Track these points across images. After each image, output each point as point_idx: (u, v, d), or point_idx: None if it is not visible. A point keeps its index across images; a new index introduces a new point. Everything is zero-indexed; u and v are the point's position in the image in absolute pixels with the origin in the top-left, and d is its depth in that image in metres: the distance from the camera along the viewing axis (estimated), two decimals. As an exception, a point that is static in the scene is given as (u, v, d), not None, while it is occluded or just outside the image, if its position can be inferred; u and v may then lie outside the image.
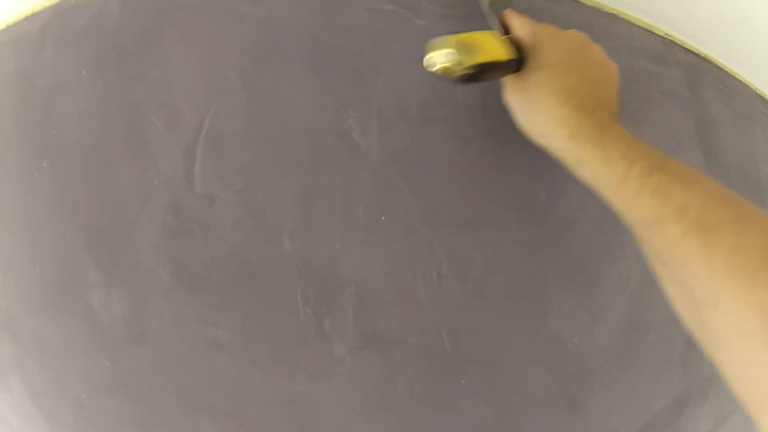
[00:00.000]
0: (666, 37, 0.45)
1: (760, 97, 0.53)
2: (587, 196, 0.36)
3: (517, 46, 0.29)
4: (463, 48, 0.26)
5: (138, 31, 0.35)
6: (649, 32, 0.44)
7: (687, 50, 0.46)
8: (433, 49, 0.26)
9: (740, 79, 0.51)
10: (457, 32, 0.27)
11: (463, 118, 0.33)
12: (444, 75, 0.27)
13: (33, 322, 0.38)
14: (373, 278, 0.32)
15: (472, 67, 0.26)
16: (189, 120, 0.32)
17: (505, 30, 0.31)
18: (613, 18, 0.42)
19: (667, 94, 0.42)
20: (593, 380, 0.40)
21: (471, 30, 0.28)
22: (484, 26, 0.32)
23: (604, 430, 0.43)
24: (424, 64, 0.27)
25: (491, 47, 0.27)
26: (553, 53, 0.27)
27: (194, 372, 0.34)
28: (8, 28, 0.48)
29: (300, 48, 0.32)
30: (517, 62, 0.28)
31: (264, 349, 0.33)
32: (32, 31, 0.45)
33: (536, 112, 0.27)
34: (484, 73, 0.27)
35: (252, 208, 0.31)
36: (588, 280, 0.37)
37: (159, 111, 0.33)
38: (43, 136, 0.38)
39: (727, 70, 0.49)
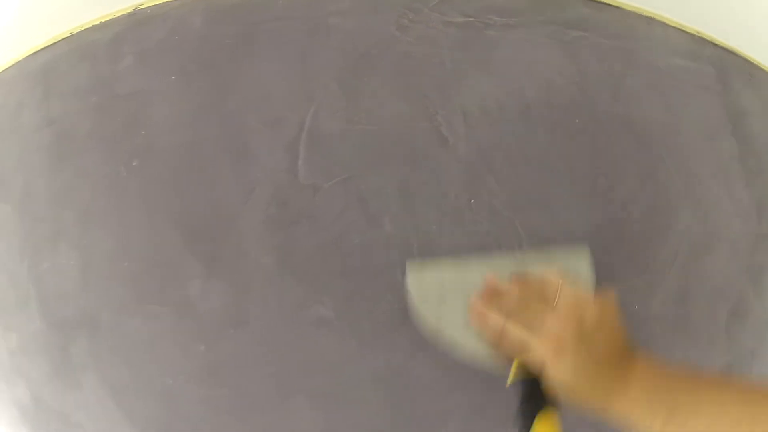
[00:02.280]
0: (697, 34, 0.55)
1: (783, 86, 0.64)
2: (641, 180, 0.46)
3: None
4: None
5: (224, 45, 0.42)
6: (682, 31, 0.54)
7: (716, 45, 0.56)
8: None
9: (765, 69, 0.61)
10: None
11: (534, 115, 0.42)
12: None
13: (117, 317, 0.43)
14: (464, 255, 0.40)
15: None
16: (290, 120, 0.39)
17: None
18: (650, 21, 0.52)
19: (700, 87, 0.52)
20: (651, 346, 0.49)
21: None
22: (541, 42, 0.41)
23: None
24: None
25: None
26: (557, 375, 0.32)
27: (294, 353, 0.40)
28: (74, 36, 0.55)
29: (389, 57, 0.41)
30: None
31: (366, 326, 0.40)
32: (104, 40, 0.52)
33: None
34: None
35: (355, 197, 0.39)
36: (644, 255, 0.46)
37: (257, 114, 0.40)
38: (129, 138, 0.45)
39: (754, 61, 0.59)
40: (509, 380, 0.34)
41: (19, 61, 0.51)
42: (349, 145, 0.40)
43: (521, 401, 0.33)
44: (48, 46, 0.55)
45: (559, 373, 0.32)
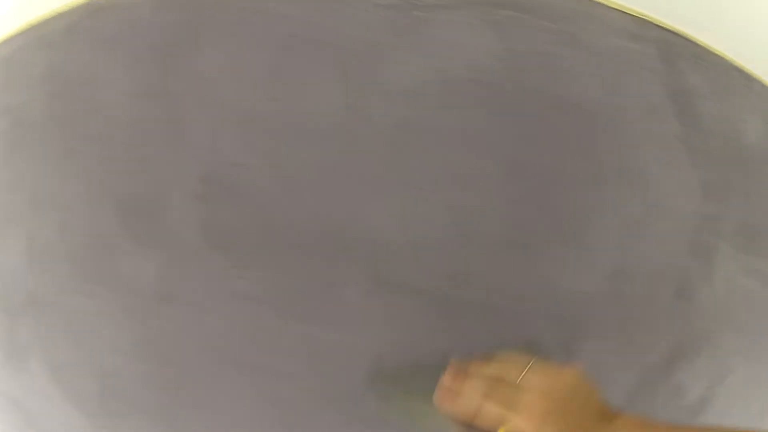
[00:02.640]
0: (641, 17, 0.55)
1: (737, 69, 0.64)
2: (571, 155, 0.46)
3: None
4: None
5: (172, 32, 0.45)
6: (625, 14, 0.55)
7: (661, 28, 0.56)
8: None
9: (716, 52, 0.61)
10: None
11: (458, 92, 0.43)
12: None
13: (60, 297, 0.45)
14: (383, 230, 0.41)
15: None
16: (223, 102, 0.41)
17: None
18: (591, 3, 0.53)
19: (642, 67, 0.52)
20: (586, 327, 0.49)
21: None
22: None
23: (599, 379, 0.52)
24: None
25: None
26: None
27: (220, 327, 0.42)
28: (32, 27, 0.57)
29: (320, 40, 0.42)
30: None
31: (287, 298, 0.41)
32: (59, 31, 0.54)
33: None
34: None
35: (278, 174, 0.41)
36: (575, 231, 0.46)
37: (194, 97, 0.42)
38: (77, 123, 0.47)
39: (702, 44, 0.59)
40: None
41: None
42: (275, 124, 0.41)
43: None
44: (8, 39, 0.57)
45: None
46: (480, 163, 0.43)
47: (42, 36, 0.55)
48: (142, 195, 0.42)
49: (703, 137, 0.56)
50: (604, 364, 0.51)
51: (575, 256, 0.47)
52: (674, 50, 0.56)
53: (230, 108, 0.41)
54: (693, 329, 0.59)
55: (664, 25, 0.57)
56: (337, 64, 0.42)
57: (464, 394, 0.36)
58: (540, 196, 0.44)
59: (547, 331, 0.47)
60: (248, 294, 0.41)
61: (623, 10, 0.55)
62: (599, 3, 0.54)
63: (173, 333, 0.42)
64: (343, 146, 0.41)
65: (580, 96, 0.47)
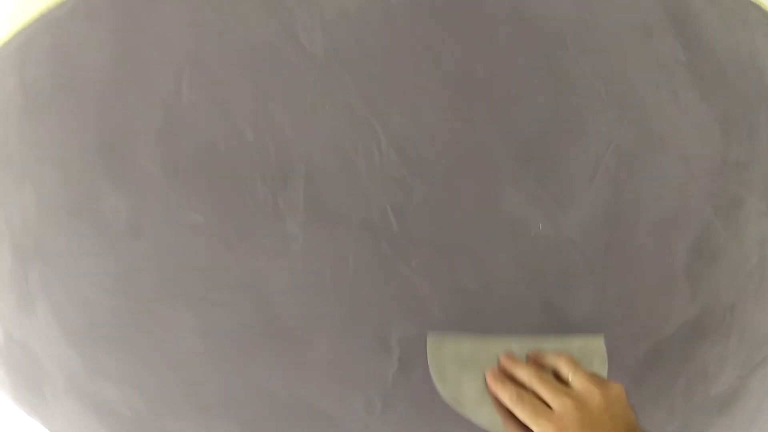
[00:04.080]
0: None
1: (756, 6, 0.55)
2: (539, 78, 0.40)
3: None
4: None
5: None
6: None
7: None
8: None
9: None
10: None
11: (398, 15, 0.39)
12: None
13: (60, 240, 0.48)
14: (319, 158, 0.39)
15: None
16: (179, 49, 0.43)
17: None
18: None
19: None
20: (571, 281, 0.41)
21: None
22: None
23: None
24: None
25: None
26: None
27: (178, 259, 0.42)
28: (42, 16, 0.61)
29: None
30: None
31: (231, 230, 0.40)
32: (62, 17, 0.57)
33: None
34: None
35: (222, 109, 0.40)
36: (545, 161, 0.39)
37: (156, 49, 0.44)
38: (72, 87, 0.49)
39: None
40: None
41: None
42: (223, 64, 0.41)
43: None
44: (23, 28, 0.62)
45: None
46: (424, 82, 0.38)
47: (50, 16, 0.60)
48: (117, 139, 0.45)
49: (714, 66, 0.47)
50: (598, 329, 0.42)
51: (549, 192, 0.39)
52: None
53: (185, 53, 0.42)
54: (719, 300, 0.48)
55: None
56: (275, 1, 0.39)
57: (503, 393, 0.38)
58: (498, 119, 0.38)
59: (519, 283, 0.40)
60: (198, 225, 0.41)
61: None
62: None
63: (138, 267, 0.44)
64: (277, 76, 0.40)
65: (549, 14, 0.41)
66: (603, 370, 0.42)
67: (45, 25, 0.58)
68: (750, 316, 0.52)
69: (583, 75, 0.41)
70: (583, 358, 0.40)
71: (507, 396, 0.38)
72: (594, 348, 0.43)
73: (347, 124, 0.38)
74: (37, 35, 0.58)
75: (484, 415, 0.40)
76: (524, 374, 0.38)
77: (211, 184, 0.41)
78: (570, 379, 0.38)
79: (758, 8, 0.55)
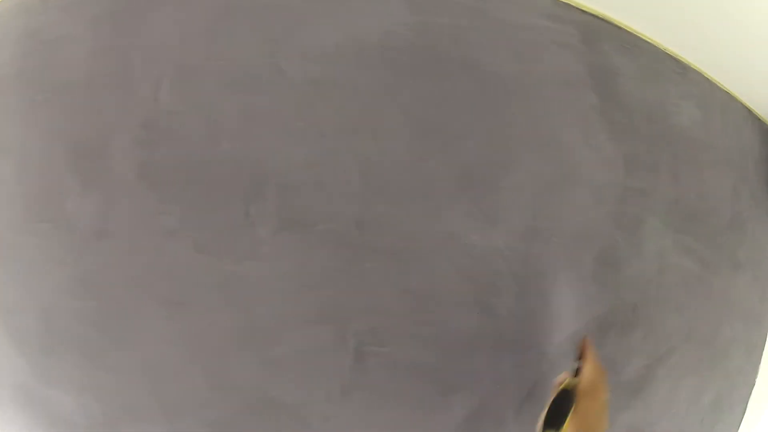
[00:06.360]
0: (564, 0, 0.59)
1: (671, 58, 0.66)
2: (479, 117, 0.49)
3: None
4: None
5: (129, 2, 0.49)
6: (548, -2, 0.58)
7: (583, 12, 0.59)
8: None
9: (648, 39, 0.64)
10: None
11: (369, 55, 0.47)
12: None
13: (14, 237, 0.48)
14: (291, 173, 0.45)
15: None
16: (162, 58, 0.46)
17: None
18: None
19: (559, 44, 0.55)
20: (499, 284, 0.51)
21: None
22: None
23: (520, 338, 0.52)
24: None
25: None
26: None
27: (147, 261, 0.44)
28: None
29: (249, 7, 0.47)
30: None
31: (205, 234, 0.44)
32: (36, 1, 0.60)
33: None
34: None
35: (203, 120, 0.45)
36: (480, 187, 0.49)
37: (141, 54, 0.47)
38: (42, 77, 0.51)
39: (630, 30, 0.62)
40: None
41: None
42: (208, 78, 0.46)
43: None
44: None
45: None
46: (387, 117, 0.46)
47: (21, 4, 0.60)
48: (92, 140, 0.46)
49: (624, 113, 0.59)
50: (523, 323, 0.52)
51: (482, 212, 0.49)
52: (598, 33, 0.59)
53: (171, 64, 0.46)
54: (623, 301, 0.59)
55: (590, 11, 0.60)
56: (261, 29, 0.46)
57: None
58: (446, 151, 0.47)
59: (460, 285, 0.49)
60: (171, 229, 0.44)
61: (548, -5, 0.58)
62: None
63: (104, 269, 0.45)
64: (260, 98, 0.45)
65: (489, 63, 0.50)
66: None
67: (19, 6, 0.56)
68: (652, 315, 0.64)
69: (517, 118, 0.51)
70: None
71: (591, 365, 0.44)
72: None
73: (319, 145, 0.45)
74: (9, 15, 0.56)
75: None
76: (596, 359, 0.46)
77: (185, 190, 0.44)
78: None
79: (673, 60, 0.67)
